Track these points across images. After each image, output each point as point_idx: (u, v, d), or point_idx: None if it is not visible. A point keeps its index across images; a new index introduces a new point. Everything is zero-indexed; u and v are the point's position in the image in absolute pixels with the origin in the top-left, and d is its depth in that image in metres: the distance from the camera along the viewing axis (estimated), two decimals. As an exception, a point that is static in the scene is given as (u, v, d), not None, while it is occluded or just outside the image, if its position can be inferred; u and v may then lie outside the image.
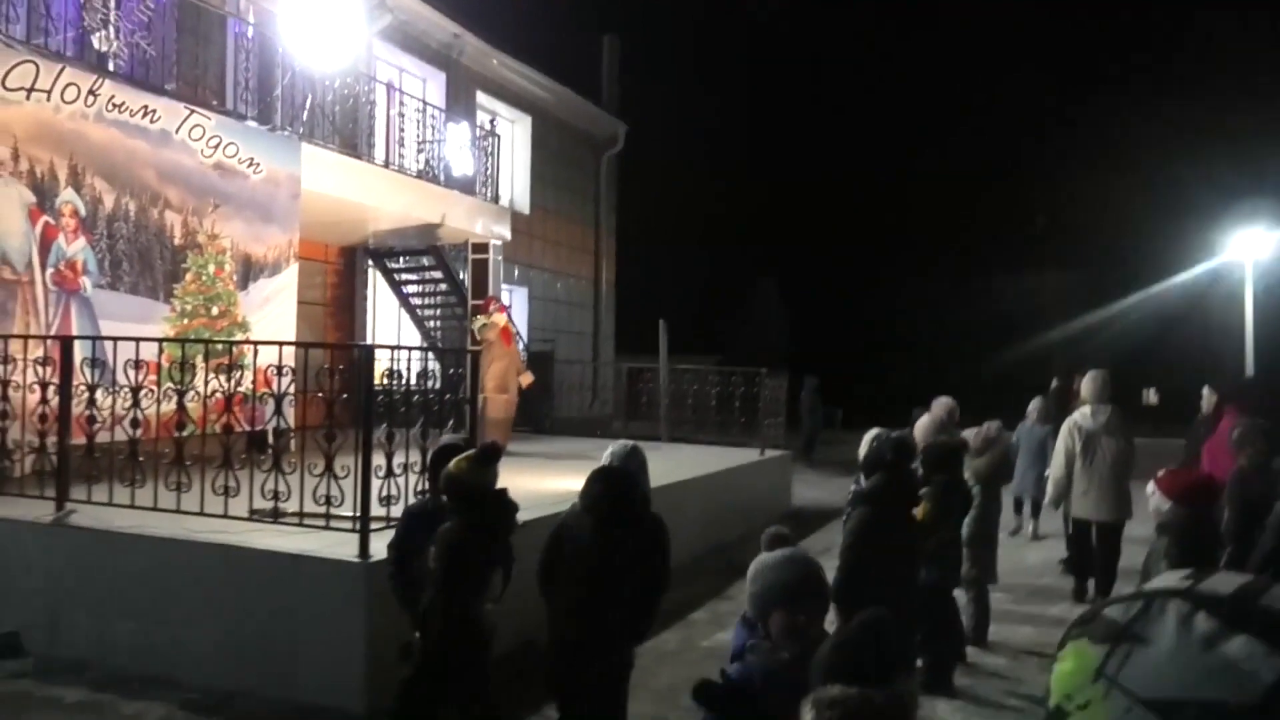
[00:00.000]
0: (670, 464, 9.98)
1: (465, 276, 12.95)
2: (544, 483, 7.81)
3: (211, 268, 8.45)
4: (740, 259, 40.23)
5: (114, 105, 7.51)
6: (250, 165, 8.74)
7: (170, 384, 6.09)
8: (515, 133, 17.56)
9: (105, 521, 5.81)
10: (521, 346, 13.86)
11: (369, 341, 12.53)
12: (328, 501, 5.32)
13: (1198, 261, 25.41)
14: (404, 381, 6.01)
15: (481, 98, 16.12)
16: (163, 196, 8.01)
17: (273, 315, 9.02)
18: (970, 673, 5.99)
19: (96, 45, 7.95)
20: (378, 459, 5.24)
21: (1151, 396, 23.13)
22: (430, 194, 11.62)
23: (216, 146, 8.41)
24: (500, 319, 10.96)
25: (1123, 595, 1.05)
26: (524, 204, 17.35)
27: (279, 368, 5.63)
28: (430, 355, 11.22)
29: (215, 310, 8.48)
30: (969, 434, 6.80)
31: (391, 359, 5.84)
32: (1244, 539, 5.42)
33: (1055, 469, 7.80)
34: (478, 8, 15.38)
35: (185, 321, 8.19)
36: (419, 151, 12.05)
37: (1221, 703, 0.91)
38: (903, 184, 42.31)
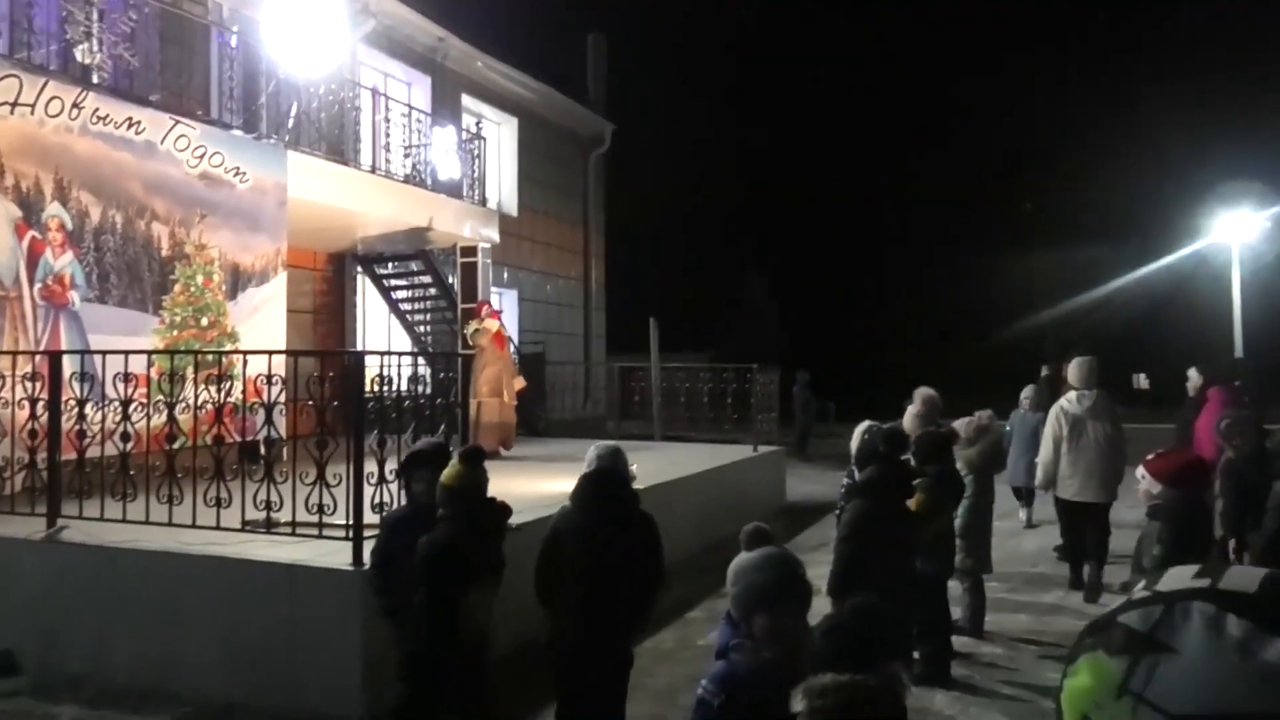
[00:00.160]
0: (664, 462, 10.00)
1: (454, 280, 12.93)
2: (539, 485, 7.81)
3: (200, 278, 8.43)
4: (730, 255, 40.27)
5: (98, 118, 7.48)
6: (236, 174, 8.72)
7: (161, 396, 6.08)
8: (502, 134, 17.54)
9: (98, 537, 5.80)
10: (513, 350, 13.86)
11: (359, 348, 12.51)
12: (320, 510, 5.31)
13: (1184, 245, 25.55)
14: (395, 387, 6.00)
15: (467, 100, 16.10)
16: (149, 208, 7.98)
17: (262, 324, 9.00)
18: (967, 663, 6.01)
19: (80, 58, 7.92)
20: (370, 466, 5.24)
21: (1142, 381, 23.21)
22: (417, 198, 11.61)
23: (202, 156, 8.38)
24: (493, 324, 10.96)
25: (1136, 599, 0.95)
26: (512, 206, 17.33)
27: (269, 377, 5.62)
28: (421, 360, 11.21)
29: (205, 321, 8.46)
30: (960, 424, 6.82)
31: (382, 365, 5.84)
32: (1240, 528, 5.46)
33: (1043, 454, 7.94)
34: (462, 10, 15.36)
35: (175, 333, 8.17)
36: (405, 156, 12.03)
37: (1268, 716, 0.84)
38: (890, 175, 42.36)
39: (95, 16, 8.05)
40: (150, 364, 6.50)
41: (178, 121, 8.23)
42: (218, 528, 5.54)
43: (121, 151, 7.70)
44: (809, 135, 45.49)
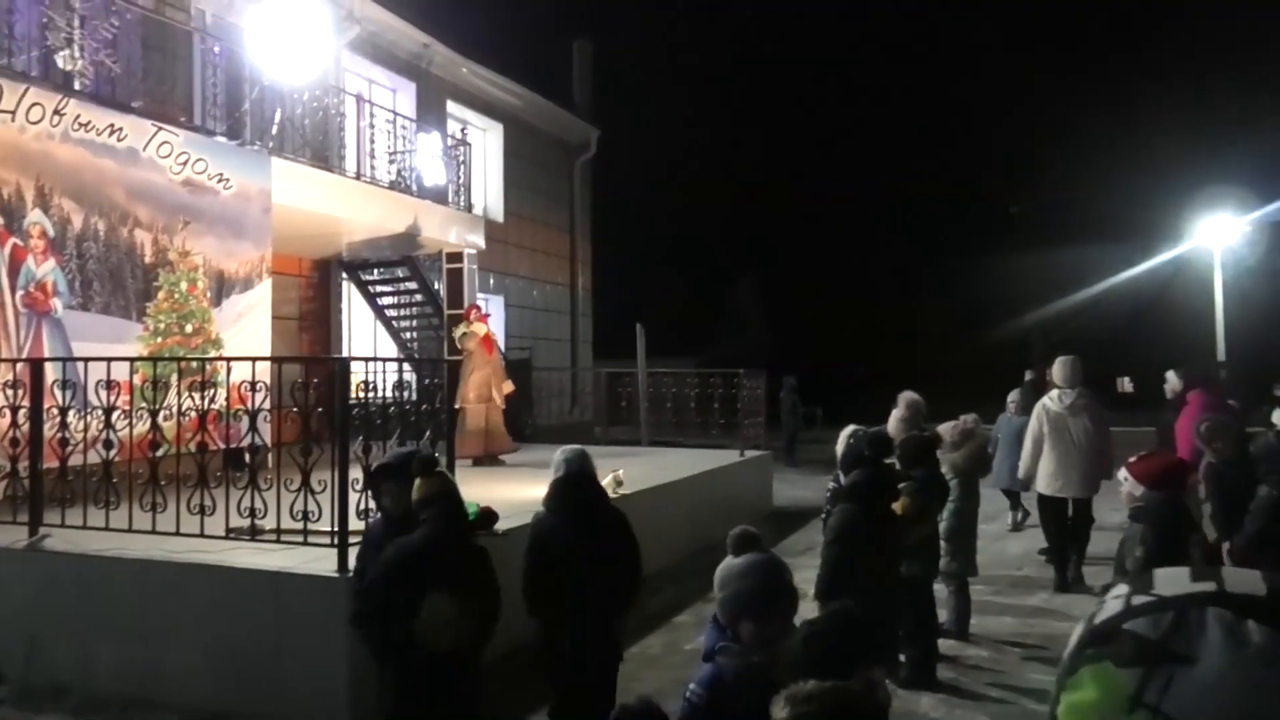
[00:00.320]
0: (651, 468, 9.99)
1: (440, 287, 12.92)
2: (525, 490, 7.78)
3: (184, 285, 8.39)
4: (716, 260, 40.32)
5: (80, 124, 7.44)
6: (220, 181, 8.69)
7: (144, 403, 6.04)
8: (487, 141, 17.54)
9: (80, 545, 5.76)
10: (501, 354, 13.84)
11: (344, 354, 12.47)
12: (305, 517, 5.29)
13: (1166, 249, 25.74)
14: (380, 394, 5.98)
15: (452, 107, 16.09)
16: (132, 215, 7.94)
17: (247, 331, 8.96)
18: (953, 665, 6.02)
19: (61, 64, 7.88)
20: (355, 473, 5.22)
21: (1126, 384, 23.35)
22: (402, 205, 11.59)
23: (185, 163, 8.35)
24: (481, 328, 10.94)
25: (1141, 605, 0.89)
26: (498, 212, 17.32)
27: (253, 383, 5.60)
28: (407, 366, 11.18)
29: (189, 328, 8.42)
30: (945, 428, 6.85)
31: (367, 371, 5.81)
32: (1229, 529, 5.50)
33: (1024, 452, 8.10)
34: (447, 17, 15.36)
35: (159, 340, 8.13)
36: (390, 162, 12.01)
37: None
38: (876, 180, 42.49)
39: (77, 23, 8.01)
40: (134, 371, 6.45)
41: (160, 128, 8.19)
42: (202, 535, 5.51)
43: (104, 158, 7.66)
44: (795, 141, 45.67)
